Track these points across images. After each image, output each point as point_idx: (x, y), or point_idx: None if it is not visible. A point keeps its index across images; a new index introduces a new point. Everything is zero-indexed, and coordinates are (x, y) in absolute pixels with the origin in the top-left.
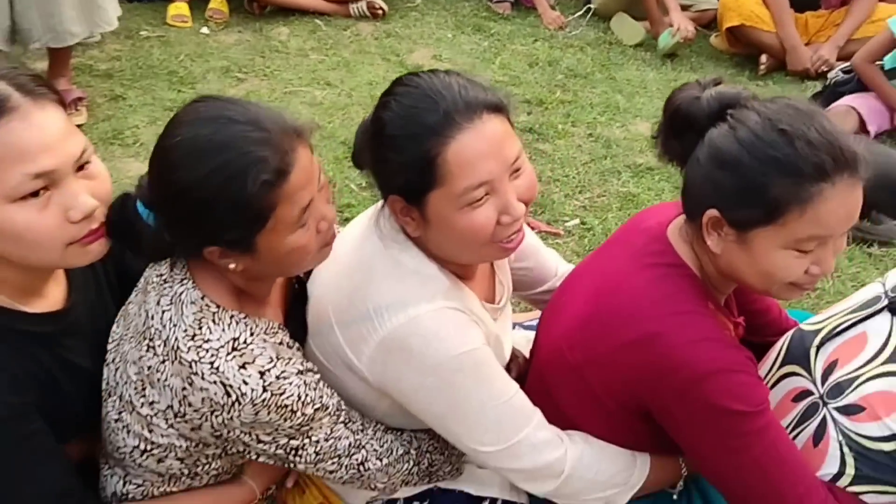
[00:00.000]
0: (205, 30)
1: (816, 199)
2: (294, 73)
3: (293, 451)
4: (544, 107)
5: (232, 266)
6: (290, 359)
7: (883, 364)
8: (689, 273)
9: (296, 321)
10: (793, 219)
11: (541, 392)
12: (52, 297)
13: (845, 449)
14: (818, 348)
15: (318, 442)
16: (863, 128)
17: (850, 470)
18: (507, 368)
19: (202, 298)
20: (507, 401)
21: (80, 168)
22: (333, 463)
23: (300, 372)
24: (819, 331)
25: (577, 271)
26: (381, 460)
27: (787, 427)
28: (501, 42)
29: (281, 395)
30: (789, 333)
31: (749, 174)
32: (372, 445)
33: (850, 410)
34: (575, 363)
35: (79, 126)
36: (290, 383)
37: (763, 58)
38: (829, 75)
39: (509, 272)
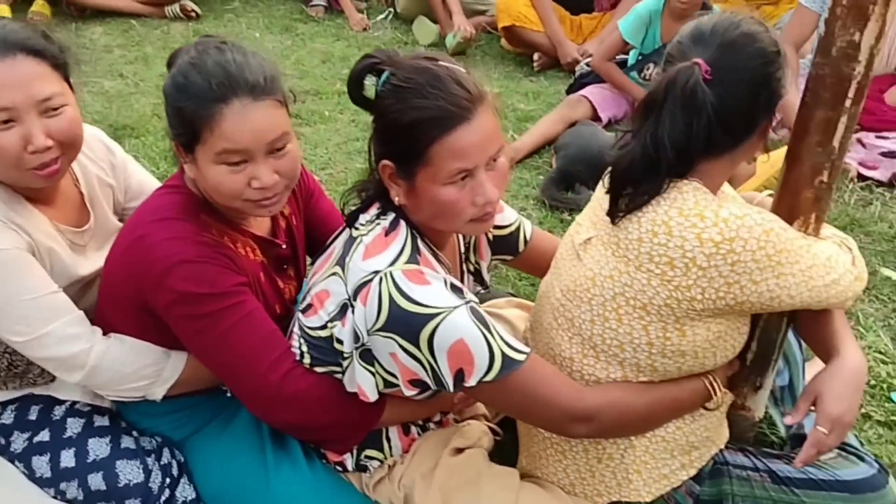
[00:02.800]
0: None
1: (218, 118)
2: (92, 67)
3: None
4: (320, 96)
5: None
6: None
7: (329, 268)
8: (184, 192)
9: None
10: (207, 136)
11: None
12: None
13: (301, 340)
14: (313, 263)
15: None
16: (595, 115)
17: (307, 357)
18: None
19: None
20: (35, 298)
21: None
22: None
23: None
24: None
25: None
26: None
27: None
28: (303, 41)
29: None
30: None
31: (173, 101)
32: None
33: (305, 309)
34: (110, 270)
35: None
36: None
37: (535, 56)
38: (577, 69)
39: (108, 211)
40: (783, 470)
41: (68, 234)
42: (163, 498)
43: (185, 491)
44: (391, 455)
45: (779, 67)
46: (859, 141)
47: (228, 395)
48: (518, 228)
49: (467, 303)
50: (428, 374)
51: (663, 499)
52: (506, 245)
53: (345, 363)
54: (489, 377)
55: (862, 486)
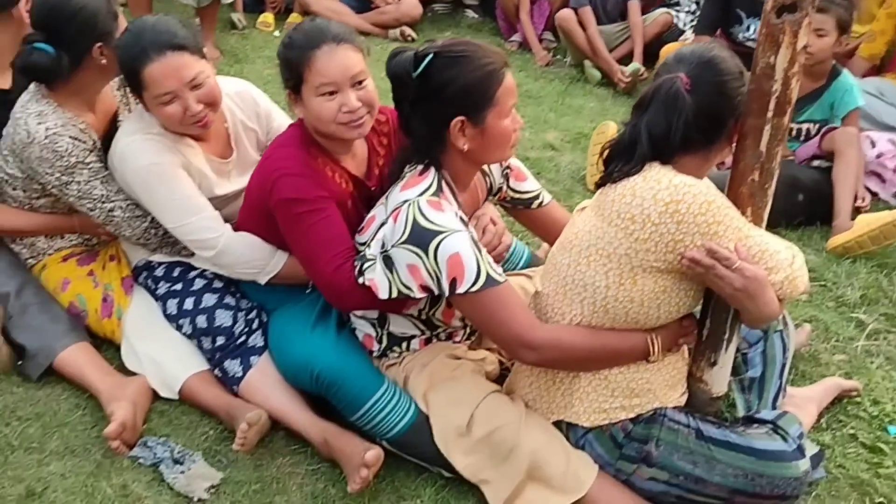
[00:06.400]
0: (277, 33)
1: (313, 59)
2: None
3: (65, 185)
4: None
5: None
6: (69, 129)
7: (382, 201)
8: (302, 128)
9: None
10: (307, 75)
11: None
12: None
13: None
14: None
15: (79, 183)
16: None
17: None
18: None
19: (44, 97)
20: (182, 199)
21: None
22: (90, 203)
23: (73, 137)
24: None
25: None
26: (124, 213)
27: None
28: None
29: (55, 144)
30: None
31: (283, 56)
32: (118, 203)
33: (360, 230)
34: (250, 183)
35: None
36: (63, 138)
37: None
38: None
39: (249, 149)
40: (709, 430)
41: (215, 162)
42: (239, 340)
43: (256, 339)
44: (408, 352)
45: (742, 85)
46: None
47: (308, 291)
48: (537, 196)
49: (468, 233)
50: (433, 281)
51: (601, 429)
52: (521, 201)
53: (367, 265)
54: (474, 288)
55: (768, 456)
